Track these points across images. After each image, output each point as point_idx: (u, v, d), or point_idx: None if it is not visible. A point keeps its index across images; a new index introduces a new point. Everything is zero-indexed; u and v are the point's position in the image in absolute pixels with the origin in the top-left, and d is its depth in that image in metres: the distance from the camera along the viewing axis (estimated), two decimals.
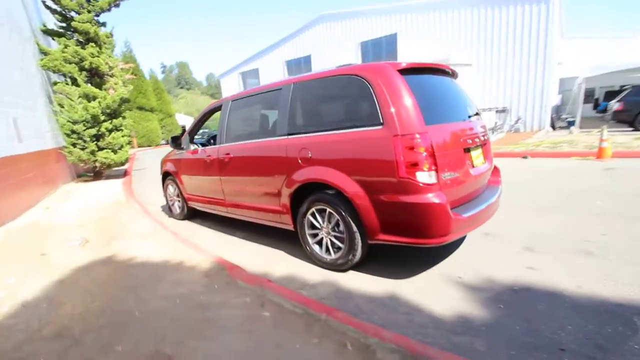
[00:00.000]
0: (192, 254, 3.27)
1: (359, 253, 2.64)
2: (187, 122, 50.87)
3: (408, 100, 2.31)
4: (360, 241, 2.60)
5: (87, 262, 3.31)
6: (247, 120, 3.71)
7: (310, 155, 2.75)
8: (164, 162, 5.12)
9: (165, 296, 2.49)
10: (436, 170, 2.27)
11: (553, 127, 13.85)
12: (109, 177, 9.49)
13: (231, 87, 26.02)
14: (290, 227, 3.14)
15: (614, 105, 11.68)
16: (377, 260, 2.92)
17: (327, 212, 2.76)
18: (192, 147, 4.43)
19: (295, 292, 2.42)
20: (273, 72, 22.97)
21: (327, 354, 1.74)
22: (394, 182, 2.30)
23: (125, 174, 10.14)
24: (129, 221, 4.80)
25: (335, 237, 2.77)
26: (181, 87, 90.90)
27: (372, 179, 2.41)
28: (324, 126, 2.74)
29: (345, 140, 2.55)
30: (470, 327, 1.97)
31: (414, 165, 2.23)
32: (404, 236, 2.38)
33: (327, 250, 2.85)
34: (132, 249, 3.61)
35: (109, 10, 8.51)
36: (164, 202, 6.04)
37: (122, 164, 9.23)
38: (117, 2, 8.51)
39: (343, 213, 2.60)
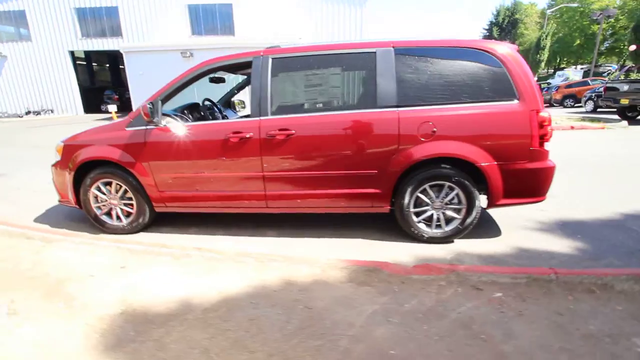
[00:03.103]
0: (287, 267, 2.39)
1: (475, 222, 2.84)
2: None
3: (533, 79, 2.66)
4: (479, 210, 2.80)
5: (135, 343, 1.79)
6: (316, 87, 2.87)
7: (435, 129, 2.62)
8: (75, 147, 3.12)
9: (380, 321, 1.83)
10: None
11: None
12: None
13: None
14: (384, 210, 2.89)
15: None
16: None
17: (445, 186, 2.76)
18: (167, 121, 2.96)
19: (497, 266, 2.39)
20: (55, 21, 16.46)
21: (591, 305, 1.96)
22: (527, 152, 2.63)
23: None
24: (34, 252, 2.71)
25: (450, 209, 2.83)
26: None
27: (504, 150, 2.64)
28: (448, 98, 2.66)
29: (477, 113, 2.62)
30: (594, 253, 2.68)
31: (543, 137, 2.64)
32: (523, 197, 2.79)
33: (438, 225, 2.87)
34: (162, 290, 2.19)
35: None
36: (39, 214, 3.74)
37: None
38: None
39: (468, 185, 2.70)
